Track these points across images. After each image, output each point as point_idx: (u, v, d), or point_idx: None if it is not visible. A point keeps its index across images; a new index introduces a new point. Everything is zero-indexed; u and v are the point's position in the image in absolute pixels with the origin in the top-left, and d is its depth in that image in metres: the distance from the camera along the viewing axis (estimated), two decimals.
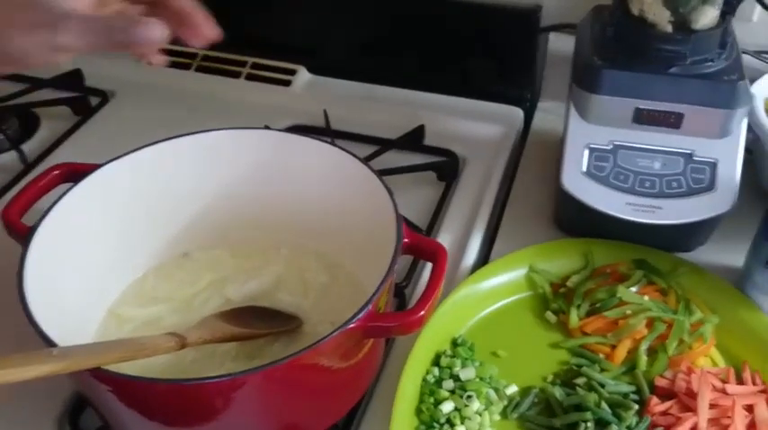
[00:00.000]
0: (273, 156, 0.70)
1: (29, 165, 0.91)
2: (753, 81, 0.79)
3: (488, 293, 0.73)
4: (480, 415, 0.63)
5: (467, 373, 0.65)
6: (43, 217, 0.59)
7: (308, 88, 1.04)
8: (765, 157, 0.78)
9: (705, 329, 0.68)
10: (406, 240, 0.59)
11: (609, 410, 0.62)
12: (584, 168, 0.73)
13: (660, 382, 0.64)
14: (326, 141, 0.70)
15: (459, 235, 0.80)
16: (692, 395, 0.62)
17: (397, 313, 0.66)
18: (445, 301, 0.69)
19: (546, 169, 0.87)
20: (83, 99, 1.01)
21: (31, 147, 0.94)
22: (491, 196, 0.85)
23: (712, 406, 0.61)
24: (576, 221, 0.78)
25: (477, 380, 0.65)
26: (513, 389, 0.65)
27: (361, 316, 0.52)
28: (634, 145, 0.73)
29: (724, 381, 0.64)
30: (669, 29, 0.70)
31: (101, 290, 0.67)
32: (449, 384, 0.64)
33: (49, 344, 0.49)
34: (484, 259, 0.79)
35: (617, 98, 0.71)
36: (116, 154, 0.66)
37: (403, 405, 0.62)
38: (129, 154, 0.66)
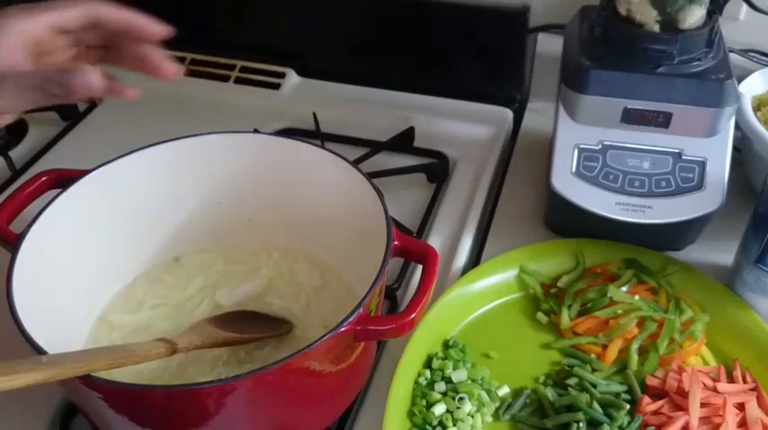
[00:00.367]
0: (263, 159, 0.70)
1: (17, 172, 0.90)
2: (740, 80, 0.80)
3: (479, 295, 0.73)
4: (472, 416, 0.63)
5: (458, 375, 0.65)
6: (31, 224, 0.59)
7: (297, 91, 1.04)
8: (753, 156, 0.79)
9: (695, 328, 0.68)
10: (396, 243, 0.58)
11: (601, 410, 0.62)
12: (574, 168, 0.73)
13: (651, 382, 0.64)
14: (316, 144, 0.70)
15: (450, 236, 0.80)
16: (684, 394, 0.62)
17: (388, 316, 0.66)
18: (436, 303, 0.69)
19: (536, 170, 0.88)
20: (71, 104, 1.00)
21: (18, 153, 0.94)
22: (481, 197, 0.85)
23: (703, 404, 0.61)
24: (567, 222, 0.79)
25: (469, 381, 0.65)
26: (505, 391, 0.65)
27: (351, 319, 0.52)
28: (623, 145, 0.73)
29: (715, 380, 0.64)
30: (656, 28, 0.70)
31: (90, 296, 0.67)
32: (441, 386, 0.64)
33: (39, 351, 0.49)
34: (475, 260, 0.79)
35: (605, 98, 0.71)
36: (105, 159, 0.65)
37: (395, 407, 0.62)
38: (117, 159, 0.66)
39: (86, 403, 0.55)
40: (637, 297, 0.70)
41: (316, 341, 0.50)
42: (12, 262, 0.55)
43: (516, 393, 0.65)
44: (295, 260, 0.72)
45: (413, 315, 0.54)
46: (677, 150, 0.72)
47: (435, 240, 0.80)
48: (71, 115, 0.99)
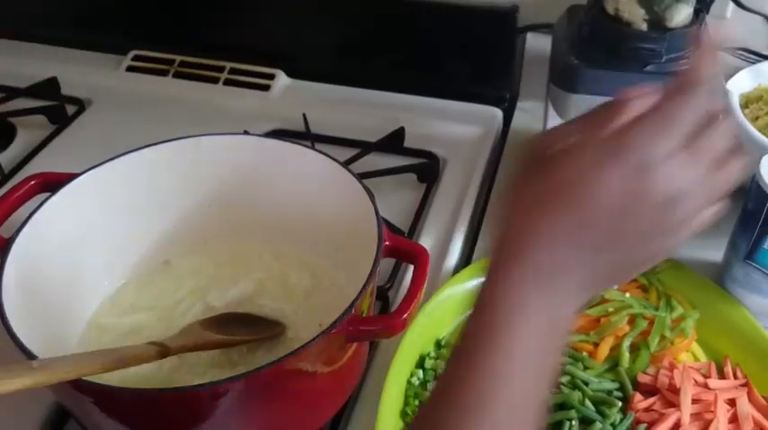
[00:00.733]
0: (253, 161, 0.70)
1: (5, 176, 0.90)
2: (728, 78, 0.80)
3: (471, 294, 0.73)
4: None
5: None
6: (20, 228, 0.59)
7: (286, 92, 1.04)
8: None
9: (686, 325, 0.68)
10: (387, 243, 0.58)
11: (593, 408, 0.62)
12: None
13: (643, 379, 0.64)
14: (306, 145, 0.70)
15: (441, 236, 0.80)
16: (675, 390, 0.62)
17: (379, 316, 0.66)
18: (428, 303, 0.69)
19: None
20: (59, 108, 0.99)
21: (7, 157, 0.93)
22: (472, 197, 0.85)
23: (695, 401, 0.61)
24: None
25: None
26: None
27: (343, 320, 0.52)
28: None
29: (706, 376, 0.64)
30: (644, 27, 0.71)
31: (81, 300, 0.67)
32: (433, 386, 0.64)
33: (29, 356, 0.49)
34: (466, 260, 0.79)
35: (594, 97, 0.72)
36: (94, 163, 0.65)
37: (388, 408, 0.61)
38: (107, 162, 0.66)
39: (78, 407, 0.55)
40: (628, 294, 0.70)
41: (308, 342, 0.50)
42: (1, 266, 0.55)
43: None
44: (286, 262, 0.72)
45: (404, 315, 0.54)
46: None
47: (426, 240, 0.80)
48: (60, 119, 0.99)
